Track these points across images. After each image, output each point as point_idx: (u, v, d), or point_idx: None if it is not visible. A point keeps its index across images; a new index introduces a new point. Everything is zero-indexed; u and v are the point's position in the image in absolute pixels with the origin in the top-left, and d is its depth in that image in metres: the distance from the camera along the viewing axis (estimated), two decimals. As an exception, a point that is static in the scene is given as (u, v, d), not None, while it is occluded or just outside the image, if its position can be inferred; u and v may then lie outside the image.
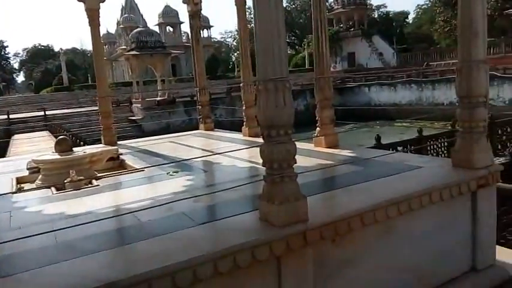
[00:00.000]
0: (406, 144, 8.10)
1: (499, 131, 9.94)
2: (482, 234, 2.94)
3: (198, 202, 2.57)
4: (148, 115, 24.91)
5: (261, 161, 2.13)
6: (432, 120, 31.63)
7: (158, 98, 26.72)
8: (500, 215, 4.47)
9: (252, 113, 5.53)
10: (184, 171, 3.58)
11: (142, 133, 19.45)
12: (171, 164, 3.83)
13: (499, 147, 9.95)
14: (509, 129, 10.10)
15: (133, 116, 25.79)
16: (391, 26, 57.06)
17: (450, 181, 2.78)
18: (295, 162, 2.13)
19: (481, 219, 2.93)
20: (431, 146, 8.56)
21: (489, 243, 2.99)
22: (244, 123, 5.68)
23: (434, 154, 8.39)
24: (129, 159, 4.48)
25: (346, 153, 3.96)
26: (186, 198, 2.43)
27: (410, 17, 67.51)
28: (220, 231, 2.11)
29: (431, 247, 2.72)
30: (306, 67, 57.44)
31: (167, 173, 3.52)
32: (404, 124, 32.98)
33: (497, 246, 3.24)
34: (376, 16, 59.58)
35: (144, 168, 3.73)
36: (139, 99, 25.72)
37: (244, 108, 5.66)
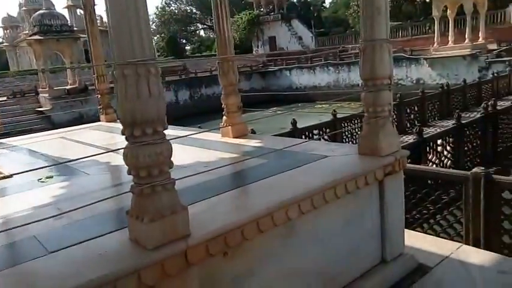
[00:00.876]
0: (322, 127, 8.10)
1: (408, 110, 10.44)
2: (390, 223, 2.80)
3: (60, 219, 2.06)
4: (57, 105, 22.83)
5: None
6: (350, 101, 33.22)
7: (68, 87, 24.59)
8: (409, 195, 4.50)
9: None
10: (62, 176, 3.01)
11: (53, 125, 17.73)
12: (49, 167, 3.21)
13: (408, 125, 10.47)
14: (416, 108, 10.65)
15: (41, 107, 23.50)
16: (309, 10, 58.45)
17: (356, 172, 2.57)
18: (171, 166, 1.72)
19: (389, 208, 2.78)
20: (347, 128, 8.68)
21: (397, 232, 2.87)
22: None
23: (349, 136, 8.52)
24: None
25: (254, 143, 3.64)
26: (45, 219, 1.90)
27: (328, 1, 69.60)
28: (73, 261, 1.64)
29: (339, 244, 2.51)
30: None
31: (38, 180, 2.91)
32: (324, 106, 34.27)
33: (406, 230, 3.15)
34: (295, 0, 60.50)
35: (14, 174, 3.07)
36: (47, 88, 23.44)
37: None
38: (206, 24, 79.17)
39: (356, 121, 8.69)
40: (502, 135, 7.63)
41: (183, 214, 1.73)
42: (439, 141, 6.21)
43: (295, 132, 7.54)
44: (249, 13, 49.48)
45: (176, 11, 66.30)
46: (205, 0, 57.65)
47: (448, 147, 6.40)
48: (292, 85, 38.22)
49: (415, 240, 3.32)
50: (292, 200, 2.16)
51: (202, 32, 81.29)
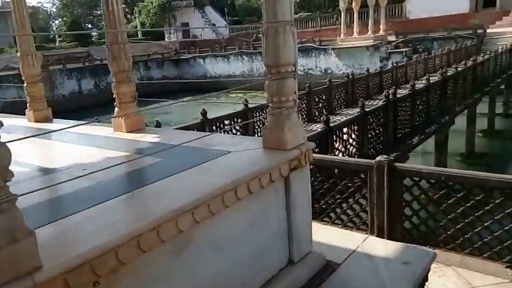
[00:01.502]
0: (233, 117, 7.87)
1: (316, 99, 10.66)
2: (297, 222, 2.61)
3: None
4: None
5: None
6: (263, 90, 33.64)
7: None
8: (317, 185, 4.43)
9: (37, 91, 4.32)
10: None
11: None
12: None
13: (317, 114, 10.72)
14: (324, 97, 10.93)
15: None
16: (222, -3, 57.82)
17: (260, 169, 2.32)
18: (7, 178, 1.28)
19: (295, 206, 2.59)
20: (259, 118, 8.56)
21: (305, 231, 2.70)
22: (28, 104, 4.40)
23: (261, 126, 8.40)
24: None
25: (150, 138, 3.23)
26: None
27: (242, -11, 69.49)
28: None
29: (242, 251, 2.25)
30: (139, 37, 54.29)
31: None
32: (239, 95, 34.34)
33: (314, 224, 3.02)
34: (207, -14, 59.36)
35: None
36: None
37: (25, 85, 4.37)
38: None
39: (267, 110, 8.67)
40: (401, 122, 8.07)
41: (27, 241, 1.31)
42: (344, 130, 6.33)
43: (205, 123, 7.19)
44: (160, -3, 47.49)
45: (80, -8, 61.38)
46: (111, -18, 53.70)
47: (353, 135, 6.56)
48: (206, 74, 37.64)
49: (323, 234, 3.21)
50: (184, 208, 1.83)
51: (110, 16, 76.46)
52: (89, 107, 29.43)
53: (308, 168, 2.74)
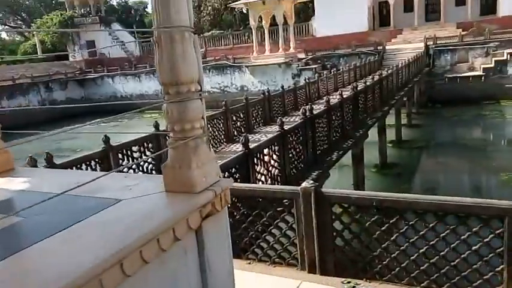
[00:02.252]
0: (142, 142, 7.04)
1: (234, 118, 10.22)
2: (215, 283, 2.01)
3: None
4: None
5: None
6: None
7: None
8: (239, 219, 3.88)
9: None
10: None
11: None
12: None
13: (235, 133, 10.27)
14: (241, 115, 10.53)
15: None
16: (130, 14, 55.82)
17: (158, 225, 1.69)
18: None
19: (211, 264, 2.00)
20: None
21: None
22: None
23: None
24: None
25: (18, 184, 2.41)
26: None
27: (150, 6, 67.96)
28: None
29: None
30: (39, 55, 50.04)
31: None
32: (153, 115, 32.87)
33: (238, 273, 2.45)
34: (114, 3, 57.14)
35: None
36: None
37: None
38: (9, 26, 68.19)
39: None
40: (319, 138, 7.92)
41: None
42: (265, 151, 5.91)
43: (109, 151, 6.28)
44: (61, 14, 44.29)
45: (-32, 7, 55.27)
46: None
47: (275, 156, 6.17)
48: (116, 93, 35.58)
49: (249, 284, 2.65)
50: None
51: (4, 35, 70.16)
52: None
53: (226, 212, 2.17)
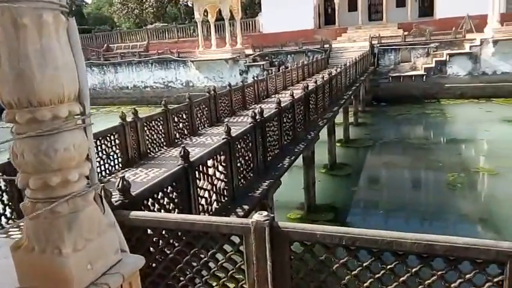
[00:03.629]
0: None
1: (176, 119, 9.26)
2: None
3: None
4: None
5: None
6: (119, 104, 30.73)
7: None
8: (172, 258, 3.06)
9: None
10: None
11: None
12: None
13: (177, 136, 9.32)
14: (184, 116, 9.59)
15: None
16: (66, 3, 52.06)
17: None
18: None
19: None
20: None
21: None
22: None
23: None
24: None
25: None
26: None
27: (91, -5, 64.20)
28: None
29: None
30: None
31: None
32: (91, 110, 30.62)
33: None
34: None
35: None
36: None
37: None
38: None
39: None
40: (270, 143, 7.23)
41: None
42: (209, 162, 5.08)
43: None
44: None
45: None
46: None
47: (220, 167, 5.36)
48: (49, 88, 32.79)
49: None
50: None
51: None
52: None
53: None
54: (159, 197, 3.98)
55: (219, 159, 5.32)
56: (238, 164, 5.89)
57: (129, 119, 7.63)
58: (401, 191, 12.47)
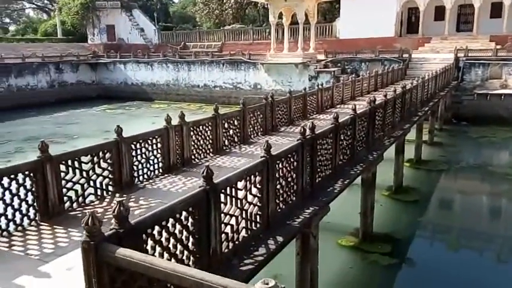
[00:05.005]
0: (98, 151, 5.68)
1: (226, 125, 8.78)
2: None
3: None
4: None
5: None
6: (190, 102, 31.40)
7: None
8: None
9: None
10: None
11: None
12: None
13: (226, 143, 8.83)
14: (236, 123, 9.08)
15: None
16: (153, 1, 54.90)
17: None
18: None
19: None
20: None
21: None
22: None
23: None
24: None
25: None
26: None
27: (178, -5, 67.16)
28: None
29: None
30: (58, 36, 49.52)
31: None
32: (162, 105, 31.70)
33: None
34: (138, -11, 56.11)
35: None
36: None
37: None
38: (35, 4, 68.21)
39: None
40: (320, 162, 6.42)
41: None
42: (240, 184, 4.44)
43: (45, 162, 4.94)
44: (84, -4, 43.42)
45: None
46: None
47: (254, 189, 4.71)
48: (127, 81, 34.58)
49: None
50: None
51: (31, 13, 70.61)
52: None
53: None
54: (168, 224, 3.43)
55: (252, 181, 4.66)
56: (278, 186, 5.19)
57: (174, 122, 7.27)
58: (477, 225, 10.84)
